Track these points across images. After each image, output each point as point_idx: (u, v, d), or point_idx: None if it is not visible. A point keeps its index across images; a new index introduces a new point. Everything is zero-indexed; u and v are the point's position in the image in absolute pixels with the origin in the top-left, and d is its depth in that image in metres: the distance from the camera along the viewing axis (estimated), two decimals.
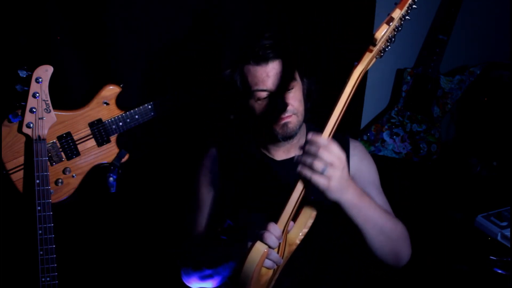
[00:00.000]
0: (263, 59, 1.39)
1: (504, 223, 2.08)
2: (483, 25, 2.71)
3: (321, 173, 1.12)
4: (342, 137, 1.59)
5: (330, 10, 2.31)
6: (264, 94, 1.42)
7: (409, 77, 2.62)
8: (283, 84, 1.41)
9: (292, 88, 1.43)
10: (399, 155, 2.66)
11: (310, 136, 1.16)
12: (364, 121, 2.71)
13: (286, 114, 1.43)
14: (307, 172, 1.14)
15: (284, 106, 1.41)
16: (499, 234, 2.05)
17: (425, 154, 2.63)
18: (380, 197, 1.52)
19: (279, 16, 2.19)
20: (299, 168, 1.15)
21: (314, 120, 1.62)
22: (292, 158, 1.56)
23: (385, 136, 2.66)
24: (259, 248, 1.17)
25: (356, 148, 1.58)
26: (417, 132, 2.63)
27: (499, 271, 1.97)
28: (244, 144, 1.61)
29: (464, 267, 2.10)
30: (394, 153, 2.66)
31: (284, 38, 1.44)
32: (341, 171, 1.14)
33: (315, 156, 1.13)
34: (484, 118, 2.66)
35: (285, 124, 1.44)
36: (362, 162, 1.56)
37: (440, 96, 2.60)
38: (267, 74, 1.40)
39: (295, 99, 1.44)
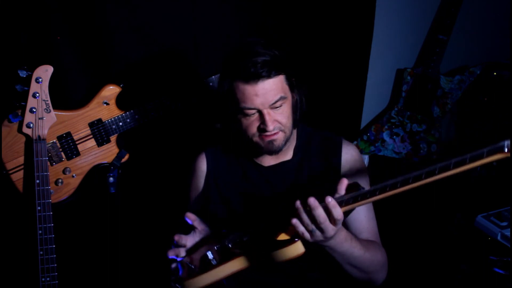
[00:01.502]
0: (253, 78, 1.34)
1: (504, 223, 2.08)
2: (483, 25, 2.71)
3: (310, 231, 1.20)
4: (334, 139, 1.56)
5: (330, 10, 2.31)
6: (251, 112, 1.39)
7: (409, 77, 2.62)
8: (272, 102, 1.38)
9: (280, 106, 1.40)
10: (399, 155, 2.66)
11: (329, 200, 1.18)
12: (364, 121, 2.71)
13: (273, 132, 1.41)
14: (299, 226, 1.21)
15: (267, 127, 1.39)
16: (499, 234, 2.04)
17: (425, 154, 2.63)
18: (367, 211, 1.51)
19: (274, 18, 2.19)
20: (295, 220, 1.21)
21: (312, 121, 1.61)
22: (280, 163, 1.54)
23: (385, 136, 2.66)
24: (299, 247, 1.20)
25: (348, 154, 1.54)
26: (417, 132, 2.63)
27: (499, 271, 1.97)
28: (233, 149, 1.60)
29: (463, 266, 2.10)
30: (394, 153, 2.66)
31: (279, 53, 1.38)
32: (329, 237, 1.21)
33: (317, 222, 1.18)
34: (484, 118, 2.66)
35: (271, 141, 1.43)
36: (353, 171, 1.53)
37: (440, 96, 2.60)
38: (256, 93, 1.36)
39: (283, 116, 1.41)
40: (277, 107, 1.39)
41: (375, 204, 1.56)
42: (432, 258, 2.23)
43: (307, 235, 1.21)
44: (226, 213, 1.54)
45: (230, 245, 1.33)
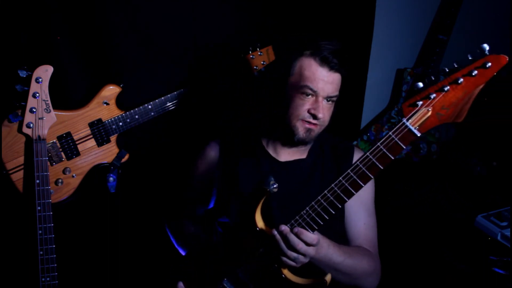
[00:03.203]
0: (328, 64, 1.41)
1: (504, 223, 2.08)
2: (483, 25, 2.71)
3: (294, 259, 1.27)
4: (347, 145, 1.61)
5: (330, 10, 2.31)
6: (310, 92, 1.43)
7: (409, 77, 2.62)
8: (330, 95, 1.44)
9: (332, 102, 1.47)
10: (399, 155, 2.66)
11: (296, 230, 1.25)
12: (364, 121, 2.71)
13: (315, 122, 1.45)
14: (282, 257, 1.28)
15: (318, 113, 1.43)
16: (499, 234, 2.05)
17: (425, 154, 2.63)
18: (368, 218, 1.53)
19: (274, 18, 2.19)
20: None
21: None
22: (295, 160, 1.56)
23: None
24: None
25: None
26: None
27: (499, 271, 1.97)
28: (249, 141, 1.61)
29: (463, 266, 2.10)
30: None
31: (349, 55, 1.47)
32: (310, 258, 1.28)
33: (294, 248, 1.25)
34: (484, 118, 2.66)
35: (309, 130, 1.47)
36: None
37: None
38: (323, 78, 1.42)
39: (329, 112, 1.47)
40: (329, 102, 1.45)
41: (377, 207, 1.57)
42: (432, 258, 2.23)
43: (292, 263, 1.27)
44: (236, 203, 1.54)
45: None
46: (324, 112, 1.44)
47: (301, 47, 1.46)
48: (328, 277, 1.29)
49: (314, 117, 1.44)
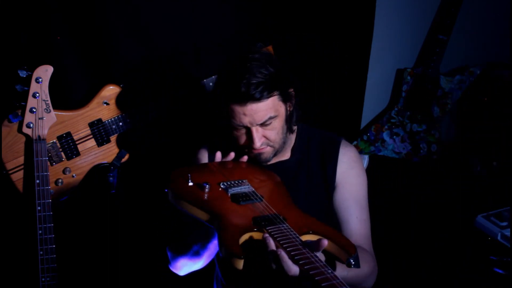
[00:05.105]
0: (242, 99, 1.36)
1: (504, 223, 2.08)
2: (483, 25, 2.71)
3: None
4: (334, 139, 1.57)
5: (330, 10, 2.31)
6: (240, 127, 1.42)
7: (409, 77, 2.61)
8: (260, 122, 1.40)
9: (269, 124, 1.41)
10: (399, 155, 2.66)
11: (279, 252, 1.05)
12: (364, 121, 2.71)
13: (260, 147, 1.44)
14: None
15: (254, 144, 1.41)
16: (499, 234, 2.05)
17: (425, 154, 2.63)
18: (360, 213, 1.49)
19: (274, 18, 2.19)
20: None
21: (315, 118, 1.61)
22: (278, 163, 1.55)
23: (385, 136, 2.66)
24: (239, 263, 1.10)
25: (346, 155, 1.53)
26: (417, 132, 2.63)
27: (499, 271, 1.97)
28: (234, 146, 1.61)
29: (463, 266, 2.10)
30: (394, 153, 2.66)
31: (275, 69, 1.38)
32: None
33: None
34: (484, 118, 2.66)
35: (259, 155, 1.46)
36: (350, 172, 1.52)
37: (440, 96, 2.60)
38: (244, 112, 1.38)
39: (272, 132, 1.43)
40: (267, 125, 1.41)
41: (372, 204, 1.56)
42: (432, 258, 2.23)
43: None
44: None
45: (229, 194, 1.30)
46: (264, 135, 1.42)
47: (218, 86, 1.45)
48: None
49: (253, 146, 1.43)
